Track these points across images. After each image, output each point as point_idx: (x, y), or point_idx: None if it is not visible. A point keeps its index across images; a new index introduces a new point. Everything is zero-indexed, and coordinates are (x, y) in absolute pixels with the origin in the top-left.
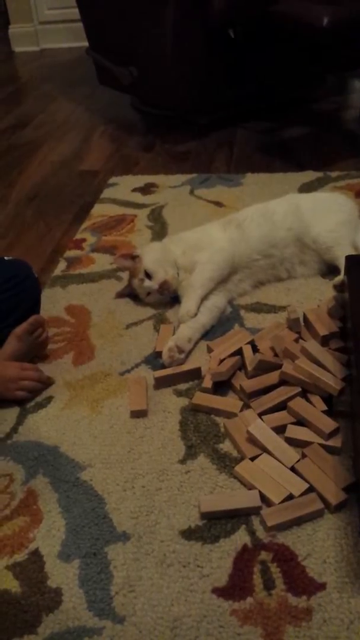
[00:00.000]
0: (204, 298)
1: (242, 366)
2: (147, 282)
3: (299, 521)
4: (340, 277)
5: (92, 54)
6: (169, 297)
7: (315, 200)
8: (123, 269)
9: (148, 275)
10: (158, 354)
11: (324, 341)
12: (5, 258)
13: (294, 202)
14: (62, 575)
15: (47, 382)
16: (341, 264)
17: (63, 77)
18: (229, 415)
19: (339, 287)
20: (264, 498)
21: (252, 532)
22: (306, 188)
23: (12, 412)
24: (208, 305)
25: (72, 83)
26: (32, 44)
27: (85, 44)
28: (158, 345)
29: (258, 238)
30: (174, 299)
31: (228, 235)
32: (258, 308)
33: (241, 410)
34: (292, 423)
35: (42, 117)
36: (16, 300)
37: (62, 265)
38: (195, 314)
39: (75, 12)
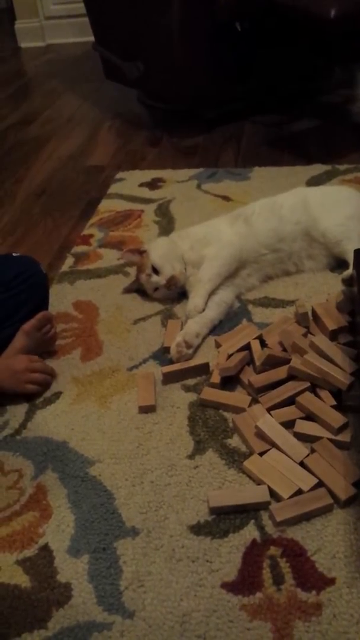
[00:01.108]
0: (212, 293)
1: (250, 361)
2: (154, 278)
3: (308, 516)
4: (349, 271)
5: (98, 49)
6: (177, 292)
7: (323, 193)
8: (130, 264)
9: (155, 271)
10: (166, 350)
11: (333, 335)
12: (14, 254)
13: (301, 196)
14: (72, 570)
15: (52, 373)
16: (350, 257)
17: (69, 73)
18: (238, 410)
19: (347, 281)
20: (273, 493)
21: (261, 527)
22: (314, 181)
23: (21, 408)
24: (216, 300)
25: (78, 78)
26: (38, 40)
27: (92, 38)
28: (166, 341)
29: (266, 232)
30: (182, 294)
31: (236, 230)
32: (266, 302)
33: (250, 406)
34: (301, 418)
35: (48, 112)
36: (25, 296)
37: (69, 261)
38: (203, 309)
39: (81, 7)
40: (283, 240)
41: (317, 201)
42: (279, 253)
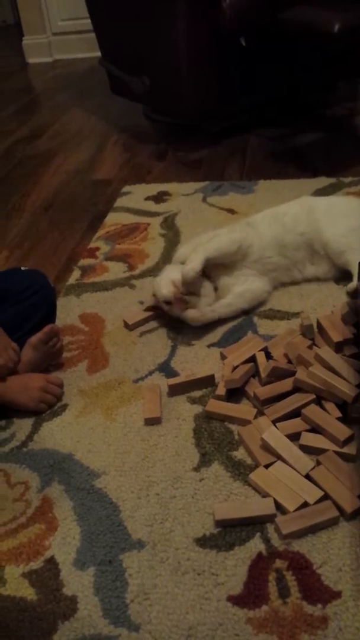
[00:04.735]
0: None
1: (255, 373)
2: (170, 307)
3: (314, 529)
4: (354, 283)
5: (104, 64)
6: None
7: (328, 203)
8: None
9: (168, 303)
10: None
11: (338, 348)
12: (22, 268)
13: (306, 205)
14: (78, 583)
15: (61, 395)
16: (354, 269)
17: (76, 88)
18: (243, 422)
19: (352, 294)
20: (278, 506)
21: (267, 540)
22: (319, 194)
23: (28, 421)
24: (239, 290)
25: (85, 93)
26: (45, 55)
27: (98, 54)
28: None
29: (268, 239)
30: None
31: (240, 229)
32: (271, 315)
33: (255, 418)
34: (307, 430)
35: (56, 127)
36: (32, 309)
37: (76, 274)
38: (199, 272)
39: (87, 23)
40: (285, 247)
41: (322, 210)
42: (283, 258)
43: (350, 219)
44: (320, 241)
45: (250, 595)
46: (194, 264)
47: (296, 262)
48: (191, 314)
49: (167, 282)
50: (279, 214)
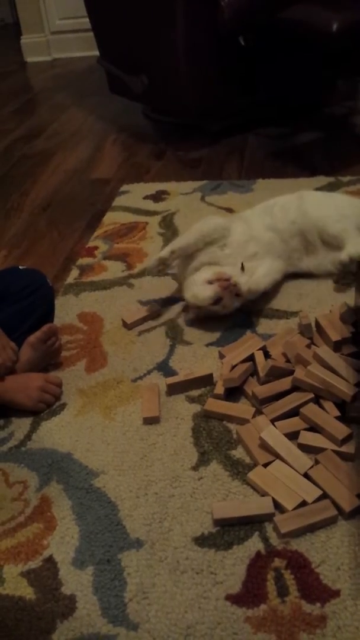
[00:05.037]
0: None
1: (254, 372)
2: (223, 303)
3: (312, 528)
4: (349, 250)
5: (103, 63)
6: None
7: (321, 194)
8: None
9: (217, 301)
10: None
11: (337, 347)
12: (20, 267)
13: (298, 195)
14: (76, 582)
15: (60, 394)
16: (345, 238)
17: (75, 87)
18: (242, 421)
19: (348, 263)
20: (277, 505)
21: (265, 539)
22: None
23: (26, 420)
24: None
25: (83, 92)
26: (44, 54)
27: (97, 53)
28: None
29: (262, 228)
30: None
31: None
32: (270, 314)
33: (253, 417)
34: (305, 429)
35: (54, 126)
36: (31, 308)
37: (74, 273)
38: (166, 262)
39: (86, 22)
40: (281, 233)
41: (313, 200)
42: (282, 242)
43: (342, 209)
44: (314, 229)
45: (249, 594)
46: (162, 255)
47: (293, 250)
48: (245, 287)
49: (203, 286)
50: (269, 205)
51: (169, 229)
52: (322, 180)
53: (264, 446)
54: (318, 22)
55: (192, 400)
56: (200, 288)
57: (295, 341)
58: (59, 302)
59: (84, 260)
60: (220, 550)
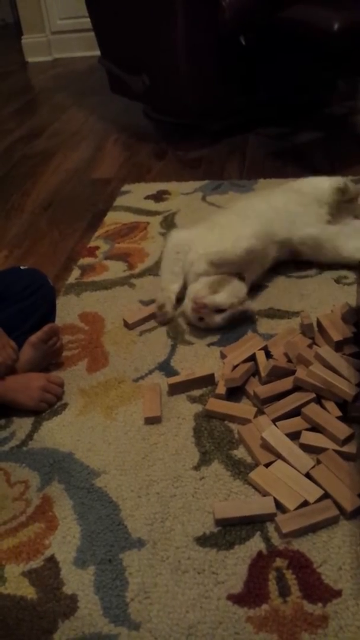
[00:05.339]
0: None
1: (255, 372)
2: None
3: (314, 528)
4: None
5: (104, 63)
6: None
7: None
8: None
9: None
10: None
11: (338, 346)
12: (22, 267)
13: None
14: (78, 582)
15: (61, 395)
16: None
17: (76, 87)
18: (243, 421)
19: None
20: (278, 505)
21: (267, 539)
22: None
23: (27, 420)
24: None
25: (84, 92)
26: (44, 54)
27: (98, 53)
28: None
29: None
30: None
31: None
32: (271, 314)
33: (255, 417)
34: (307, 429)
35: (55, 126)
36: (32, 308)
37: (75, 273)
38: (165, 307)
39: (87, 22)
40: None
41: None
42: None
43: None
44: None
45: (251, 594)
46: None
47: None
48: (222, 303)
49: (189, 303)
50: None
51: (170, 229)
52: None
53: (266, 446)
54: (319, 22)
55: (193, 400)
56: (187, 305)
57: (297, 341)
58: (60, 302)
59: (85, 260)
60: (221, 550)
